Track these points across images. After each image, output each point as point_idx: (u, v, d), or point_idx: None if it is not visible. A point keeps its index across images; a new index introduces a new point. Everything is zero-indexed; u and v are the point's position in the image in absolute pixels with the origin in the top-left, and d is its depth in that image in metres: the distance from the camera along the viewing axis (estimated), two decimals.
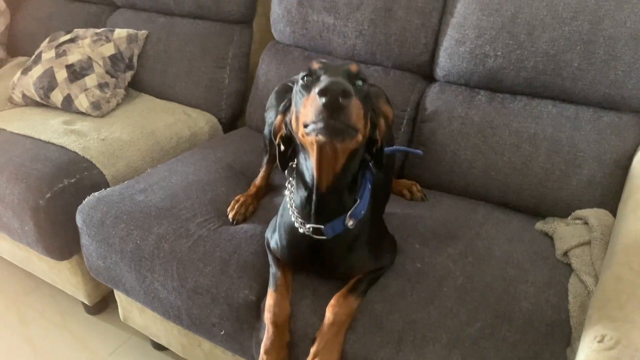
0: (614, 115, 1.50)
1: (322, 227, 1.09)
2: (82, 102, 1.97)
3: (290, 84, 1.63)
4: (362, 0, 1.75)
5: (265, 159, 1.59)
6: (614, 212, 1.40)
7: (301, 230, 1.12)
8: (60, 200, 1.62)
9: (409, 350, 1.10)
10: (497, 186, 1.59)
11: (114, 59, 2.11)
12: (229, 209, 1.49)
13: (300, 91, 0.99)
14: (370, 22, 1.76)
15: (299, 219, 1.12)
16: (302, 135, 0.96)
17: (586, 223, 1.41)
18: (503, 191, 1.59)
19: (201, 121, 2.11)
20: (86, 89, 1.98)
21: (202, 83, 2.14)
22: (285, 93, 1.59)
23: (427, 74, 1.80)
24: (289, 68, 1.96)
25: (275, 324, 1.17)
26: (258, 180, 1.59)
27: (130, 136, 1.87)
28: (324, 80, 0.86)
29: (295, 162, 1.13)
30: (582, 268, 1.31)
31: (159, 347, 1.83)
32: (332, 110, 0.84)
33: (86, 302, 1.87)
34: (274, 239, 1.26)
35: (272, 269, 1.26)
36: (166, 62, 2.20)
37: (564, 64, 1.48)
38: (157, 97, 2.23)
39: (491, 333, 1.13)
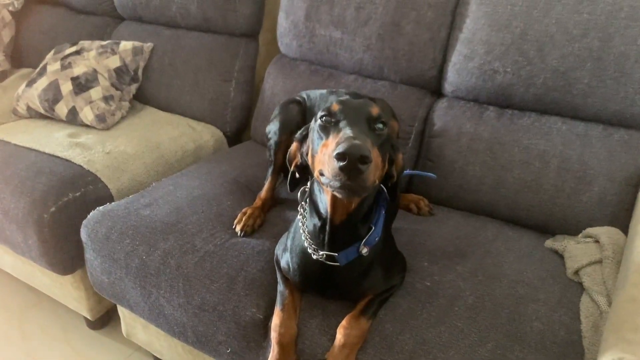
0: (624, 132, 1.49)
1: (336, 255, 1.08)
2: (87, 114, 1.96)
3: (297, 98, 1.63)
4: (370, 14, 1.75)
5: (269, 170, 1.58)
6: (625, 230, 1.39)
7: (314, 257, 1.11)
8: (64, 214, 1.61)
9: None
10: (507, 203, 1.58)
11: (119, 71, 2.10)
12: (235, 222, 1.47)
13: (318, 132, 0.99)
14: (378, 37, 1.76)
15: (312, 245, 1.11)
16: (317, 177, 0.97)
17: (597, 241, 1.39)
18: (512, 208, 1.57)
19: (206, 134, 2.10)
20: (91, 102, 1.98)
21: (207, 96, 2.13)
22: (287, 105, 1.59)
23: (435, 89, 1.79)
24: (295, 82, 1.95)
25: (281, 344, 1.15)
26: (263, 193, 1.57)
27: (135, 149, 1.86)
28: (343, 139, 0.86)
29: (307, 187, 1.13)
30: (593, 287, 1.29)
31: None
32: (350, 175, 0.84)
33: (88, 317, 1.85)
34: (284, 258, 1.24)
35: (280, 287, 1.24)
36: (171, 75, 2.19)
37: (574, 80, 1.48)
38: (162, 109, 2.23)
39: (503, 354, 1.11)
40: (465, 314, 1.20)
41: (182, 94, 2.18)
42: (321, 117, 0.98)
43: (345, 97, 1.07)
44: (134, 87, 2.18)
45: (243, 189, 1.68)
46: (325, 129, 0.97)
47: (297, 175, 1.14)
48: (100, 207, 1.56)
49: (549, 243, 1.49)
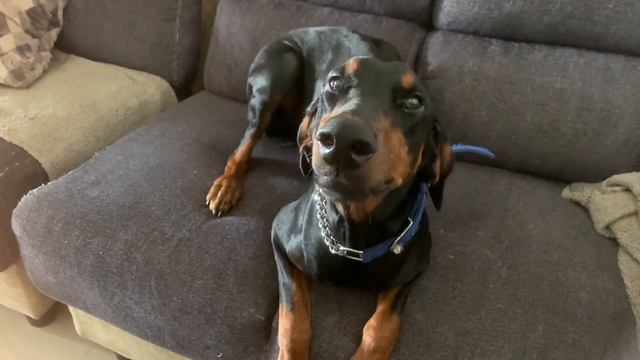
0: None
1: (361, 252, 0.84)
2: None
3: (289, 44, 1.34)
4: None
5: (249, 132, 1.31)
6: None
7: (333, 251, 0.87)
8: None
9: None
10: (518, 151, 1.39)
11: (34, 13, 1.68)
12: (208, 197, 1.20)
13: (323, 101, 0.73)
14: None
15: (331, 238, 0.87)
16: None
17: (628, 190, 1.24)
18: (525, 156, 1.39)
19: (150, 87, 1.75)
20: (2, 54, 1.58)
21: (147, 40, 1.76)
22: (280, 54, 1.30)
23: (425, 22, 1.53)
24: (256, 18, 1.63)
25: (293, 351, 0.94)
26: (238, 155, 1.30)
27: (67, 112, 1.50)
28: (336, 114, 0.59)
29: None
30: (632, 244, 1.14)
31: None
32: (339, 169, 0.58)
33: (31, 316, 1.55)
34: (292, 242, 0.99)
35: (284, 279, 1.01)
36: (100, 16, 1.79)
37: (597, 5, 1.27)
38: (92, 59, 1.83)
39: (558, 338, 0.95)
40: (504, 290, 1.03)
41: (115, 38, 1.78)
42: (330, 80, 0.71)
43: (367, 57, 0.74)
44: (54, 33, 1.77)
45: (209, 151, 1.39)
46: (332, 98, 0.71)
47: (308, 159, 0.81)
48: (34, 190, 1.24)
49: (567, 193, 1.33)
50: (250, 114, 1.31)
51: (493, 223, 1.21)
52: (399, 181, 0.66)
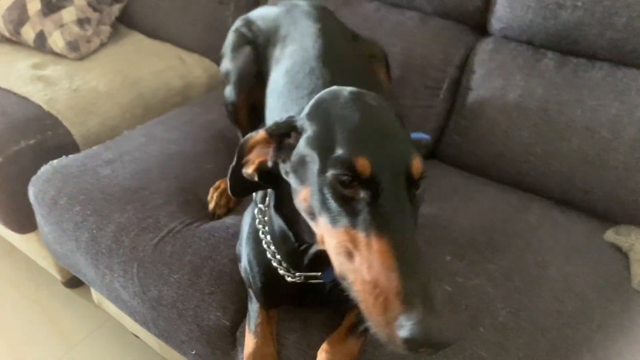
0: None
1: (319, 274, 0.78)
2: (56, 40, 1.64)
3: (245, 33, 1.26)
4: None
5: (239, 135, 1.27)
6: None
7: (288, 279, 0.81)
8: (16, 166, 1.34)
9: None
10: (559, 180, 1.23)
11: None
12: (208, 198, 1.19)
13: (331, 195, 0.61)
14: None
15: (284, 266, 0.81)
16: (321, 241, 0.66)
17: None
18: (566, 186, 1.23)
19: (197, 69, 1.75)
20: (62, 25, 1.65)
21: (200, 21, 1.77)
22: (237, 49, 1.23)
23: (478, 26, 1.40)
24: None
25: None
26: None
27: (108, 86, 1.54)
28: (410, 315, 0.51)
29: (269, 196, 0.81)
30: None
31: None
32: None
33: (58, 278, 1.63)
34: (242, 265, 0.95)
35: (251, 303, 0.95)
36: None
37: None
38: (149, 36, 1.88)
39: None
40: (494, 337, 0.92)
41: (170, 17, 1.81)
42: (336, 175, 0.60)
43: (368, 147, 0.61)
44: (116, 8, 1.83)
45: (229, 147, 1.37)
46: (345, 201, 0.60)
47: (254, 178, 0.74)
48: (54, 161, 1.28)
49: (610, 236, 1.16)
50: (225, 109, 1.28)
51: (509, 257, 1.08)
52: None
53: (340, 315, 0.91)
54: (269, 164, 0.72)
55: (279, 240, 0.80)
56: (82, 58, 1.68)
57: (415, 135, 0.98)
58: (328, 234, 0.62)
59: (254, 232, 0.87)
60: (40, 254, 1.58)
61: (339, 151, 0.60)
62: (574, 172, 1.21)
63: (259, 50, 1.21)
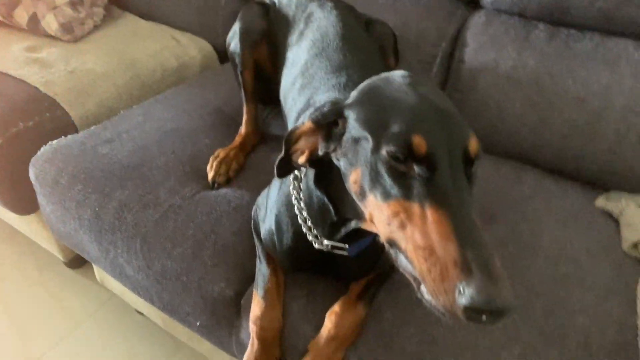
0: None
1: (346, 246, 0.80)
2: (50, 23, 1.64)
3: None
4: None
5: (243, 98, 1.30)
6: None
7: (317, 246, 0.83)
8: (15, 147, 1.35)
9: None
10: (551, 149, 1.26)
11: None
12: (208, 168, 1.20)
13: (385, 174, 0.61)
14: None
15: (314, 232, 0.83)
16: (370, 219, 0.66)
17: None
18: (558, 156, 1.26)
19: (192, 49, 1.76)
20: (55, 7, 1.65)
21: (193, 1, 1.77)
22: (248, 8, 1.30)
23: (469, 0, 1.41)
24: None
25: (263, 339, 0.92)
26: (243, 128, 1.30)
27: (105, 68, 1.55)
28: (476, 278, 0.50)
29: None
30: None
31: None
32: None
33: (60, 258, 1.65)
34: (266, 226, 0.97)
35: (261, 265, 0.98)
36: None
37: None
38: (144, 17, 1.88)
39: None
40: None
41: None
42: (390, 152, 0.60)
43: (425, 121, 0.61)
44: None
45: (228, 122, 1.39)
46: (399, 176, 0.60)
47: (306, 167, 0.75)
48: (54, 142, 1.29)
49: (601, 202, 1.19)
50: (235, 76, 1.31)
51: (504, 226, 1.11)
52: None
53: (345, 287, 0.94)
54: (320, 152, 0.71)
55: (317, 211, 0.80)
56: (76, 40, 1.68)
57: None
58: (378, 210, 0.62)
59: (287, 197, 0.88)
60: (42, 235, 1.60)
61: (395, 129, 0.60)
62: (566, 142, 1.23)
63: (268, 15, 1.28)
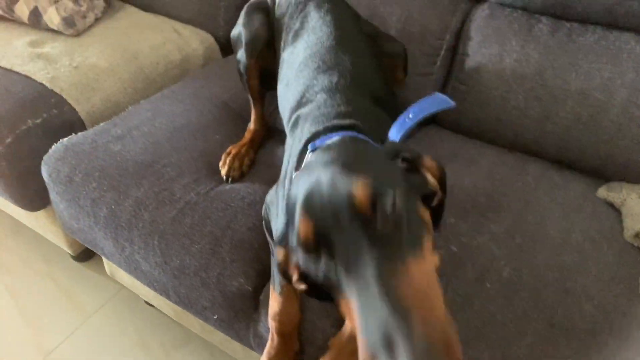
0: None
1: None
2: (52, 17, 1.63)
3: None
4: None
5: (250, 100, 1.34)
6: None
7: None
8: (24, 144, 1.36)
9: None
10: (554, 141, 1.29)
11: None
12: (220, 164, 1.23)
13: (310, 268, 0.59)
14: None
15: None
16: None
17: None
18: (561, 147, 1.29)
19: (194, 41, 1.76)
20: (57, 1, 1.64)
21: None
22: (251, 14, 1.31)
23: None
24: None
25: (283, 334, 0.95)
26: (252, 124, 1.32)
27: (109, 62, 1.55)
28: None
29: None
30: None
31: None
32: None
33: (69, 252, 1.67)
34: (277, 225, 0.99)
35: (276, 262, 1.00)
36: None
37: None
38: (145, 10, 1.87)
39: (545, 352, 0.90)
40: (500, 292, 0.98)
41: None
42: (301, 252, 0.58)
43: (312, 193, 0.59)
44: None
45: (236, 117, 1.40)
46: (322, 272, 0.57)
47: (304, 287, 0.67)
48: (64, 140, 1.30)
49: (603, 192, 1.23)
50: (240, 80, 1.34)
51: (510, 217, 1.14)
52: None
53: None
54: (301, 270, 0.65)
55: None
56: (78, 34, 1.68)
57: (439, 97, 0.88)
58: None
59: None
60: (50, 230, 1.61)
61: (292, 229, 0.59)
62: (569, 134, 1.26)
63: (271, 21, 1.29)
